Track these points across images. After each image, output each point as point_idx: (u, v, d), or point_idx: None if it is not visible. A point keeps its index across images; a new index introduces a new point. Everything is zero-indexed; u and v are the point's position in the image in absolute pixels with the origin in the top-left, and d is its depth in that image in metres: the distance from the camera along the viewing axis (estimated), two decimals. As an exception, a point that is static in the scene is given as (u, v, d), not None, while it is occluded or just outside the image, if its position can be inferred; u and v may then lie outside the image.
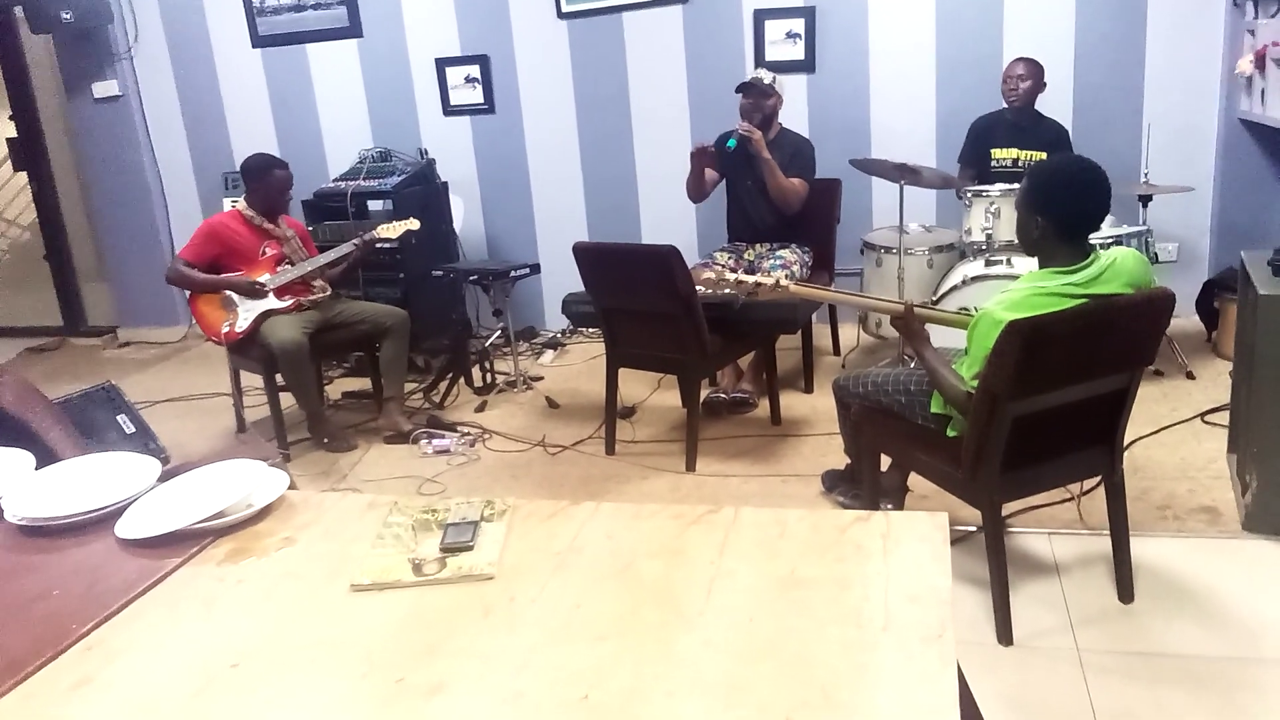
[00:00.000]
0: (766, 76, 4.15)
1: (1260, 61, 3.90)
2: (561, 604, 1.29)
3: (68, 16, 5.24)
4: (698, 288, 3.38)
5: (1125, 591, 2.49)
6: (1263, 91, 3.92)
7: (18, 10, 5.60)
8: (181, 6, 5.64)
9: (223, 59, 5.69)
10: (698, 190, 4.28)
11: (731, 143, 4.10)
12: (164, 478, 1.68)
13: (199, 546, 1.50)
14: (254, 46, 5.60)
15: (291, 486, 1.66)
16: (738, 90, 4.18)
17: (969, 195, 3.95)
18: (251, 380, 4.16)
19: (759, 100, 4.13)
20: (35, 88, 6.17)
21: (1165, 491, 3.04)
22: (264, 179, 3.98)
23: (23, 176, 6.35)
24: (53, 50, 5.87)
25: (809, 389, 4.23)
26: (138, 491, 1.63)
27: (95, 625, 1.30)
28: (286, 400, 4.01)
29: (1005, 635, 2.35)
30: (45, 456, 1.90)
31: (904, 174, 3.91)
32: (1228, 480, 3.07)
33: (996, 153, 4.31)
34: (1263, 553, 2.67)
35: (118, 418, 3.67)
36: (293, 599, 1.36)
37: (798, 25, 4.80)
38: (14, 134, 6.22)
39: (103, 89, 5.76)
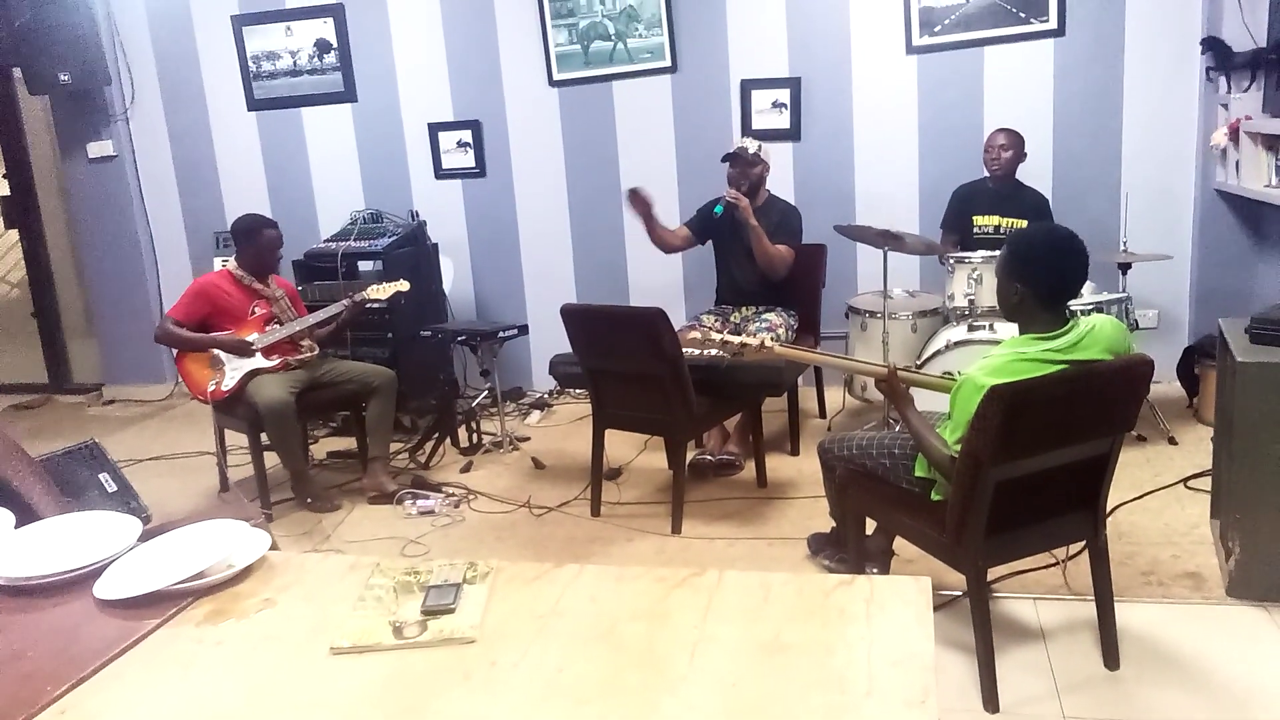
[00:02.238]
0: (752, 145, 4.23)
1: (1234, 134, 4.01)
2: (544, 668, 1.28)
3: (65, 78, 5.31)
4: (684, 349, 3.41)
5: (1111, 658, 2.48)
6: (1237, 163, 4.03)
7: (16, 71, 5.67)
8: (179, 70, 5.74)
9: (218, 121, 5.77)
10: (660, 241, 4.30)
11: (719, 209, 4.17)
12: (144, 537, 1.67)
13: (178, 608, 1.48)
14: (249, 110, 5.68)
15: (273, 547, 1.66)
16: (724, 160, 4.25)
17: (951, 261, 4.01)
18: (236, 439, 4.14)
19: (745, 169, 4.20)
20: (30, 147, 6.23)
21: (1149, 557, 3.04)
22: (254, 239, 4.01)
23: (14, 233, 6.38)
24: (49, 110, 5.94)
25: (795, 451, 4.24)
26: (117, 551, 1.61)
27: (70, 687, 1.28)
28: (271, 459, 3.99)
29: (991, 702, 2.33)
30: (25, 515, 1.89)
31: (888, 240, 3.97)
32: (1211, 546, 3.07)
33: (978, 219, 4.38)
34: (1247, 619, 2.67)
35: (100, 476, 3.64)
36: (271, 661, 1.35)
37: (783, 95, 4.92)
38: (7, 192, 6.26)
39: (98, 149, 5.83)
